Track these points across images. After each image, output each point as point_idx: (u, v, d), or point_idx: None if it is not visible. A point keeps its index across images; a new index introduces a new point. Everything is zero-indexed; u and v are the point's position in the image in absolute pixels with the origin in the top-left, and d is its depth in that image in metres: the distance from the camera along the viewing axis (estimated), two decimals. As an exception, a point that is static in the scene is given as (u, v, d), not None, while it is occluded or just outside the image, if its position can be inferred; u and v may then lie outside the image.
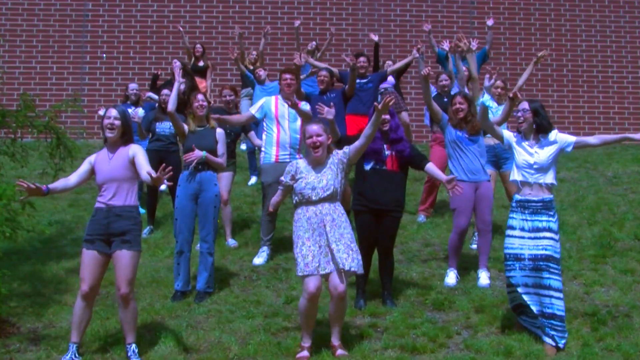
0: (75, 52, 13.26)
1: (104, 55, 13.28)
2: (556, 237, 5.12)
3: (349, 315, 5.56)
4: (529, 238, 5.10)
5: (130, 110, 8.00)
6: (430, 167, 5.85)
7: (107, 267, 4.85)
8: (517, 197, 5.23)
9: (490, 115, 7.26)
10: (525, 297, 5.10)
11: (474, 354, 4.86)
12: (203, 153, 6.09)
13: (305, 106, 7.03)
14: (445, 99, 8.20)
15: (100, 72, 13.25)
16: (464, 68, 9.41)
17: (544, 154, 5.18)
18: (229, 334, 5.19)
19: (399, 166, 5.88)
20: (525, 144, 5.26)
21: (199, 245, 6.33)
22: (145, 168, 4.71)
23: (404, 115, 10.65)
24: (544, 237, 5.06)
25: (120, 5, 13.39)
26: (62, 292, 6.16)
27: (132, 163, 4.81)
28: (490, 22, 9.20)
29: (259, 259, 6.98)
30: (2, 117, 6.18)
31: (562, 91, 13.68)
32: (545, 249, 5.03)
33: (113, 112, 4.87)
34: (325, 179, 4.85)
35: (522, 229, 5.14)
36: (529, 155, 5.20)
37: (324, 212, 4.80)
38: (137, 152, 4.85)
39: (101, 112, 8.62)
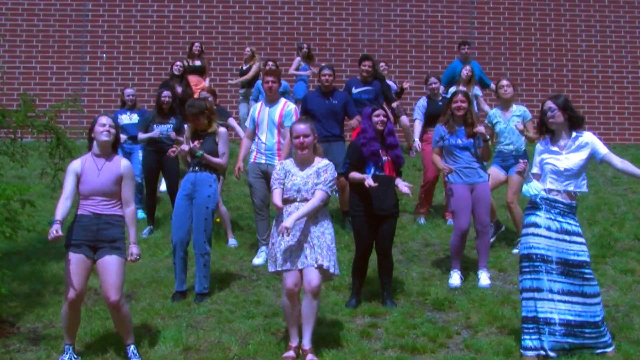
0: (75, 52, 13.25)
1: (104, 55, 13.27)
2: (584, 240, 4.87)
3: (349, 315, 5.57)
4: (557, 239, 4.76)
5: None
6: (397, 181, 5.97)
7: (91, 272, 4.80)
8: (543, 194, 4.82)
9: (499, 125, 7.26)
10: (553, 306, 4.70)
11: (474, 354, 4.86)
12: (199, 152, 6.10)
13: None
14: (440, 103, 8.17)
15: (100, 72, 13.24)
16: (465, 69, 9.44)
17: (575, 158, 4.83)
18: (229, 334, 5.19)
19: (394, 170, 5.94)
20: (554, 148, 4.89)
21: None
22: (129, 202, 4.80)
23: (404, 119, 10.62)
24: (575, 242, 4.79)
25: (120, 5, 13.37)
26: (62, 292, 6.12)
27: (121, 179, 4.81)
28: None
29: (258, 259, 6.98)
30: (2, 117, 6.17)
31: (562, 91, 13.64)
32: (578, 255, 4.77)
33: (107, 120, 4.85)
34: (310, 181, 4.90)
35: (549, 229, 4.77)
36: (558, 160, 4.84)
37: None
38: (127, 176, 4.83)
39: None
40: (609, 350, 4.81)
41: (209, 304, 5.89)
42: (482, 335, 5.23)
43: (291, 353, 4.79)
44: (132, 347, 4.78)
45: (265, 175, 6.93)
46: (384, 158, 5.88)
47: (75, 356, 4.71)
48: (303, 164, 4.99)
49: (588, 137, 4.89)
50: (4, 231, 5.33)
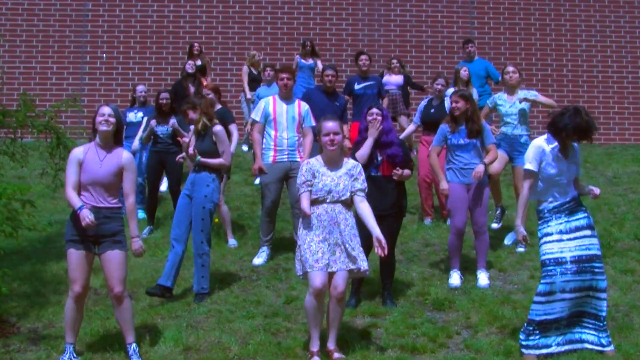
0: (75, 52, 13.25)
1: (104, 55, 13.27)
2: (594, 232, 4.93)
3: (348, 315, 5.56)
4: (569, 240, 4.80)
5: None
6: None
7: (92, 265, 4.82)
8: (548, 206, 4.90)
9: (504, 108, 7.40)
10: (564, 305, 4.73)
11: (474, 354, 4.86)
12: (197, 158, 6.12)
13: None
14: (432, 110, 8.08)
15: (100, 72, 13.23)
16: (464, 68, 9.44)
17: (573, 167, 4.96)
18: (229, 334, 5.19)
19: (391, 169, 5.85)
20: (559, 157, 4.93)
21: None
22: (129, 194, 4.76)
23: (403, 119, 10.59)
24: (585, 236, 4.83)
25: (120, 5, 13.37)
26: (62, 292, 6.15)
27: (122, 171, 4.77)
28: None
29: (258, 259, 6.98)
30: (2, 117, 6.17)
31: (562, 91, 13.66)
32: (589, 249, 4.80)
33: (107, 110, 4.76)
34: (342, 183, 4.84)
35: (561, 232, 4.83)
36: (559, 170, 4.91)
37: (337, 211, 4.80)
38: (128, 168, 4.78)
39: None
40: (608, 349, 4.81)
41: (209, 304, 5.88)
42: (482, 335, 5.24)
43: (317, 359, 4.69)
44: (134, 345, 4.77)
45: (286, 174, 6.91)
46: (380, 158, 5.86)
47: (75, 356, 4.71)
48: (331, 163, 4.89)
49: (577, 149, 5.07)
50: (5, 230, 5.34)
